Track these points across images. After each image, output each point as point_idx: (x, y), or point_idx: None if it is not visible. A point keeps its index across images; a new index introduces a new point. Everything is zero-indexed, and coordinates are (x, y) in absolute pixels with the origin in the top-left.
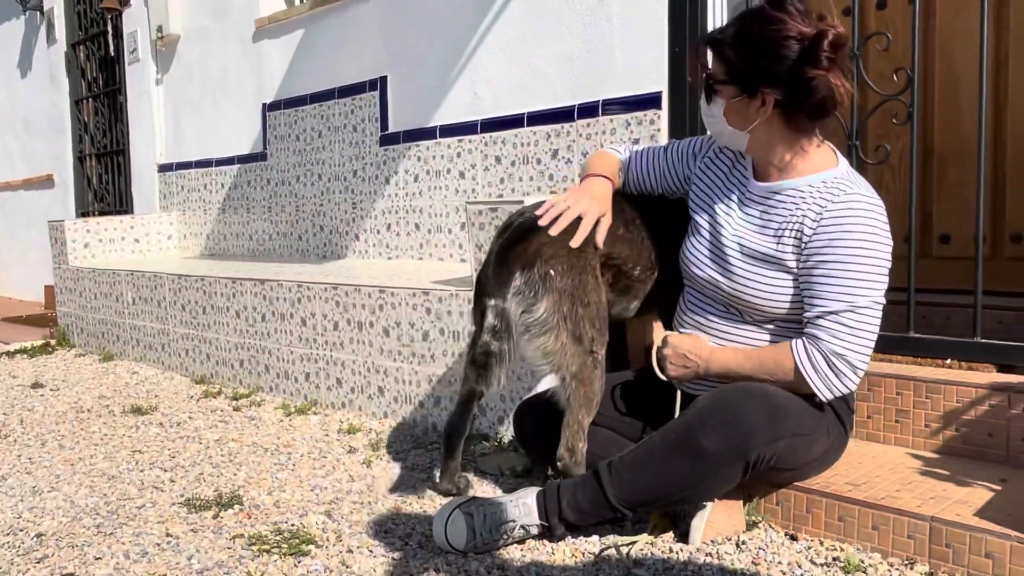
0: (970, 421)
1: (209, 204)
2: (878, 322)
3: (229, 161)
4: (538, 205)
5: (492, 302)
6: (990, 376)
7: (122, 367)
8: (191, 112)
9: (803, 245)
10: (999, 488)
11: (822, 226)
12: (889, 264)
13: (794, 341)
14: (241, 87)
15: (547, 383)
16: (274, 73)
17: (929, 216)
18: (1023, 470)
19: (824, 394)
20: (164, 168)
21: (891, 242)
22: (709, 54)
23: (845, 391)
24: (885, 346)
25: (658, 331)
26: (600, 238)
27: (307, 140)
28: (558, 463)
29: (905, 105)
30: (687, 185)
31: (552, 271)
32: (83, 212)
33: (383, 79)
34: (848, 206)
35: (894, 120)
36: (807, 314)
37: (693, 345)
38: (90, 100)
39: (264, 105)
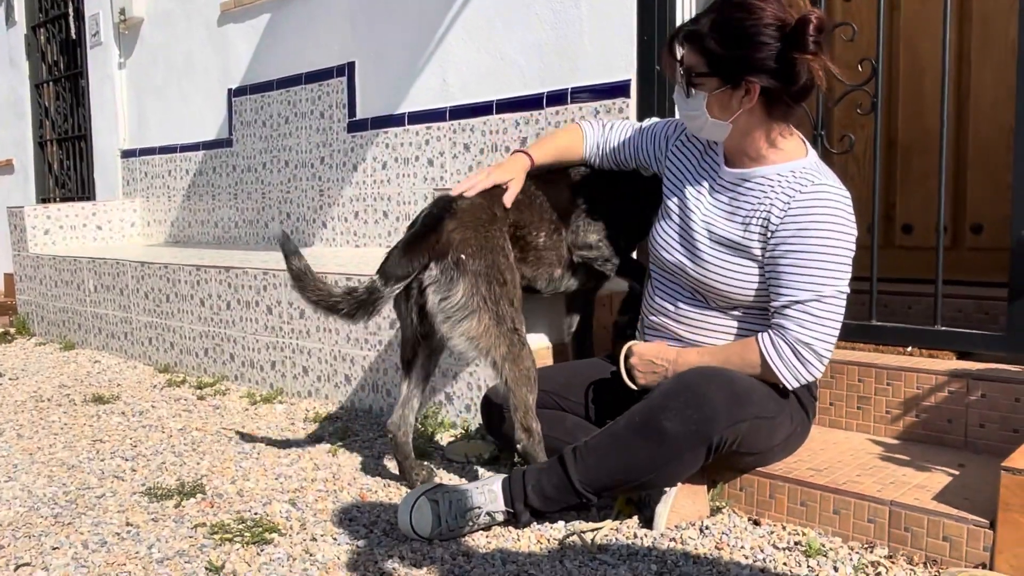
0: (930, 407)
1: (173, 191)
2: (842, 311)
3: (194, 147)
4: (446, 196)
5: (395, 287)
6: (950, 363)
7: (84, 356)
8: (155, 97)
9: (769, 234)
10: (957, 473)
11: (789, 216)
12: (853, 254)
13: (759, 335)
14: (206, 72)
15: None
16: (240, 58)
17: (892, 206)
18: (981, 455)
19: (790, 383)
20: (127, 154)
21: (856, 232)
22: (680, 48)
23: (810, 379)
24: (848, 334)
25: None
26: (507, 199)
27: (273, 126)
28: (517, 445)
29: (869, 95)
30: (659, 165)
31: (464, 255)
32: (43, 198)
33: (351, 65)
34: (816, 197)
35: (859, 110)
36: (773, 303)
37: (658, 350)
38: (51, 84)
39: (230, 90)
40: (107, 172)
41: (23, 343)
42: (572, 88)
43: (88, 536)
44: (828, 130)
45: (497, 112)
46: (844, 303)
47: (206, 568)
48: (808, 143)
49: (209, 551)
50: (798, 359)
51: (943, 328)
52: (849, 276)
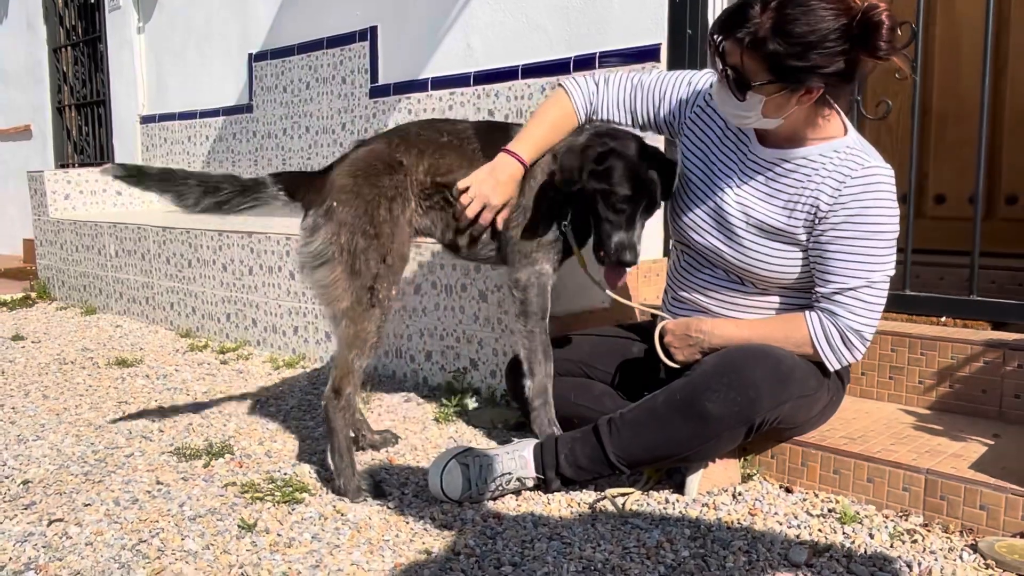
0: (964, 378)
1: (193, 156)
2: (887, 292)
3: (214, 113)
4: (360, 139)
5: (279, 193)
6: (985, 333)
7: (105, 320)
8: (174, 62)
9: (818, 220)
10: (992, 443)
11: (840, 202)
12: (898, 233)
13: (808, 315)
14: (226, 37)
15: None
16: (260, 22)
17: (925, 176)
18: (1016, 426)
19: (832, 364)
20: (146, 120)
21: (897, 213)
22: (735, 47)
23: (852, 361)
24: None
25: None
26: (500, 223)
27: (295, 92)
28: (322, 401)
29: (908, 60)
30: (671, 130)
31: (336, 202)
32: (62, 164)
33: (373, 29)
34: (868, 182)
35: (896, 75)
36: (821, 289)
37: (688, 323)
38: (69, 48)
39: (250, 55)
40: (126, 138)
41: (44, 308)
42: (600, 52)
43: (119, 493)
44: (864, 97)
45: (523, 77)
46: (889, 284)
47: (239, 525)
48: (845, 118)
49: (240, 509)
50: (846, 345)
51: (978, 298)
52: (895, 257)
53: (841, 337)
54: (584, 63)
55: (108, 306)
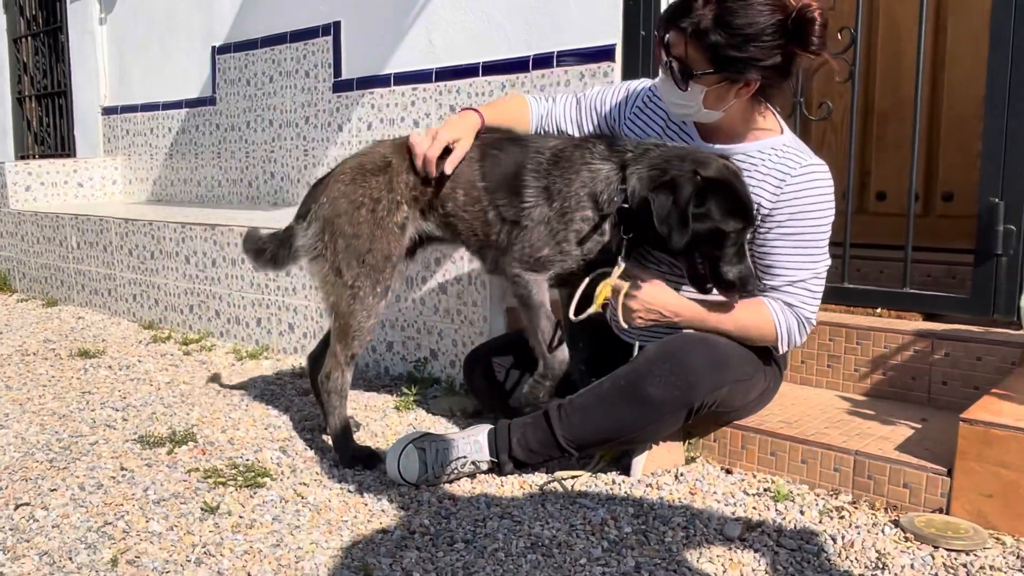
0: (896, 365)
1: (156, 149)
2: (824, 282)
3: (177, 105)
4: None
5: (302, 223)
6: (915, 324)
7: (67, 312)
8: (137, 53)
9: (760, 217)
10: (919, 426)
11: (782, 200)
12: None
13: (770, 304)
14: (189, 29)
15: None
16: (223, 15)
17: (867, 173)
18: (943, 411)
19: (783, 348)
20: (108, 111)
21: (834, 208)
22: (678, 38)
23: (796, 345)
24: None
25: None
26: (451, 164)
27: (258, 85)
28: (318, 384)
29: (848, 64)
30: (612, 130)
31: (326, 199)
32: (22, 155)
33: (336, 24)
34: (807, 179)
35: (837, 78)
36: (771, 282)
37: (665, 301)
38: (29, 39)
39: (213, 48)
40: (88, 129)
41: (4, 299)
42: (558, 52)
43: (84, 479)
44: (807, 97)
45: (483, 74)
46: (824, 278)
47: (202, 508)
48: (781, 118)
49: (204, 493)
50: (799, 331)
51: (911, 291)
52: (828, 250)
53: (798, 324)
54: (542, 61)
55: (70, 298)
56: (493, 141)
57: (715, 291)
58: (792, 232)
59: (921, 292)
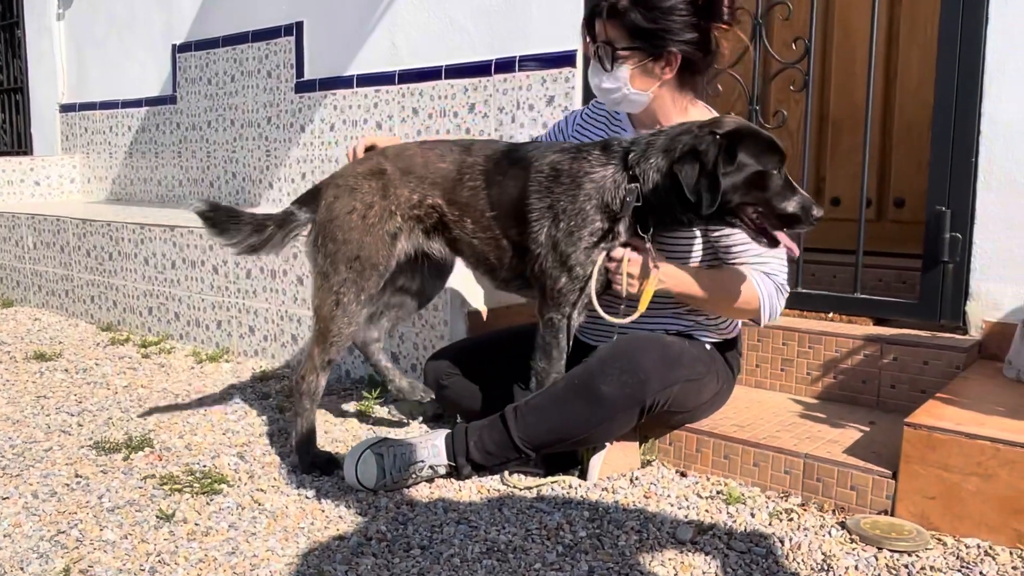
0: (846, 369)
1: (115, 147)
2: None
3: (136, 103)
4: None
5: (302, 210)
6: (866, 328)
7: (23, 313)
8: (96, 50)
9: None
10: (867, 429)
11: None
12: None
13: (751, 274)
14: (149, 26)
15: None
16: (184, 13)
17: (822, 180)
18: (891, 414)
19: (768, 317)
20: (66, 108)
21: None
22: (600, 24)
23: (776, 317)
24: None
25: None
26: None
27: (219, 84)
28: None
29: (802, 73)
30: None
31: (323, 202)
32: None
33: (299, 24)
34: None
35: (792, 87)
36: (739, 259)
37: (663, 272)
38: None
39: (174, 46)
40: (45, 127)
41: None
42: (520, 56)
43: (38, 487)
44: (763, 106)
45: (446, 77)
46: None
47: (157, 516)
48: (713, 111)
49: (159, 500)
50: (778, 298)
51: (862, 296)
52: None
53: (776, 290)
54: (505, 66)
55: (26, 299)
56: (496, 165)
57: (783, 241)
58: None
59: (871, 297)
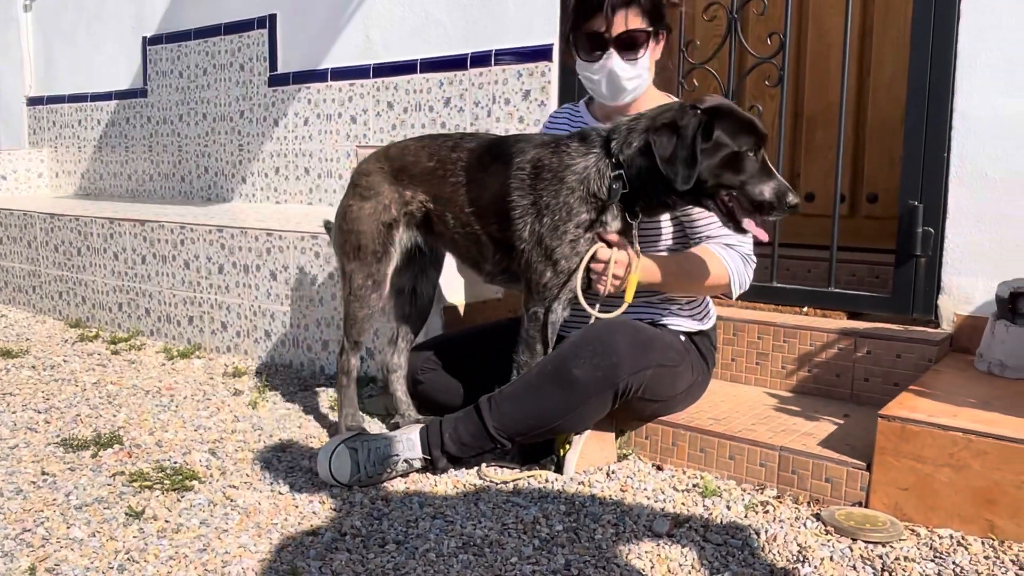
0: (821, 363)
1: (84, 141)
2: None
3: (106, 96)
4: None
5: None
6: (840, 322)
7: None
8: (64, 43)
9: None
10: (842, 422)
11: None
12: None
13: (715, 249)
14: (119, 18)
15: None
16: (155, 4)
17: (797, 175)
18: (865, 406)
19: (738, 287)
20: (34, 101)
21: None
22: (622, 16)
23: (747, 286)
24: (750, 294)
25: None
26: None
27: (191, 77)
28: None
29: (776, 68)
30: None
31: (341, 200)
32: None
33: (272, 17)
34: None
35: (767, 82)
36: (704, 232)
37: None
38: None
39: (144, 39)
40: (12, 120)
41: None
42: (496, 50)
43: (3, 484)
44: (739, 101)
45: (421, 71)
46: None
47: (126, 513)
48: (674, 97)
49: (129, 498)
50: (746, 268)
51: (836, 290)
52: None
53: (742, 260)
54: (481, 60)
55: None
56: (477, 161)
57: (751, 229)
58: None
59: (845, 291)
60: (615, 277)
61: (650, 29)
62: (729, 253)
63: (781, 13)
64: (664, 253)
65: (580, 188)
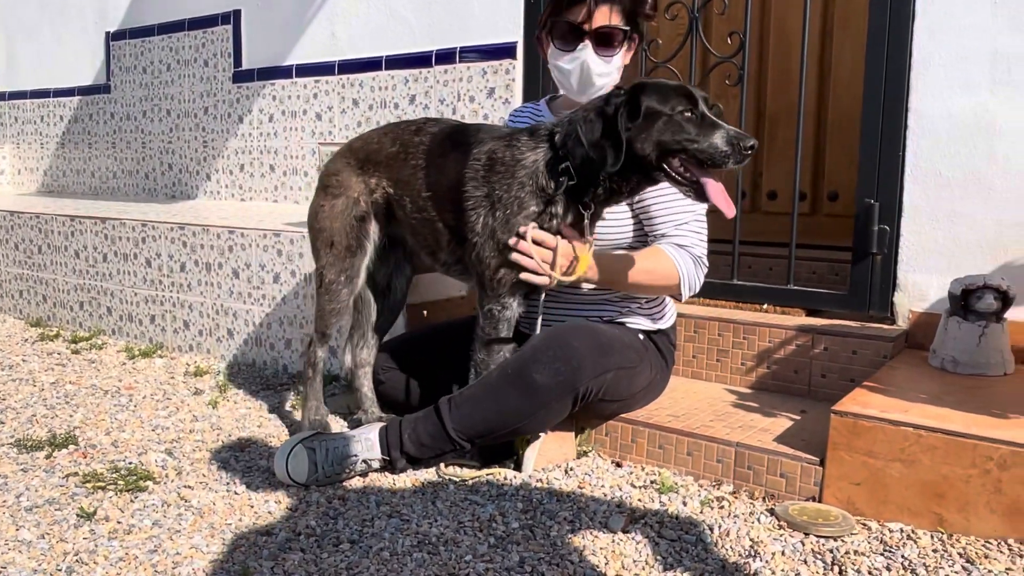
0: (779, 359)
1: (47, 138)
2: (707, 228)
3: (69, 92)
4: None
5: None
6: (798, 319)
7: None
8: (26, 37)
9: None
10: (798, 418)
11: None
12: None
13: (664, 247)
14: (82, 13)
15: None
16: (118, 0)
17: (760, 174)
18: (822, 402)
19: (688, 290)
20: None
21: None
22: (605, 10)
23: (698, 289)
24: (711, 292)
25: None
26: None
27: (155, 73)
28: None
29: (737, 67)
30: None
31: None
32: None
33: (237, 13)
34: None
35: (727, 81)
36: (660, 230)
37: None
38: None
39: (108, 34)
40: None
41: None
42: (461, 48)
43: None
44: None
45: (386, 68)
46: (706, 224)
47: (77, 515)
48: None
49: (81, 499)
50: (697, 271)
51: (795, 287)
52: None
53: (694, 263)
54: (445, 57)
55: None
56: (439, 145)
57: (712, 197)
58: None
59: (804, 289)
60: (553, 265)
61: (627, 29)
62: (681, 254)
63: (743, 13)
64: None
65: (529, 183)
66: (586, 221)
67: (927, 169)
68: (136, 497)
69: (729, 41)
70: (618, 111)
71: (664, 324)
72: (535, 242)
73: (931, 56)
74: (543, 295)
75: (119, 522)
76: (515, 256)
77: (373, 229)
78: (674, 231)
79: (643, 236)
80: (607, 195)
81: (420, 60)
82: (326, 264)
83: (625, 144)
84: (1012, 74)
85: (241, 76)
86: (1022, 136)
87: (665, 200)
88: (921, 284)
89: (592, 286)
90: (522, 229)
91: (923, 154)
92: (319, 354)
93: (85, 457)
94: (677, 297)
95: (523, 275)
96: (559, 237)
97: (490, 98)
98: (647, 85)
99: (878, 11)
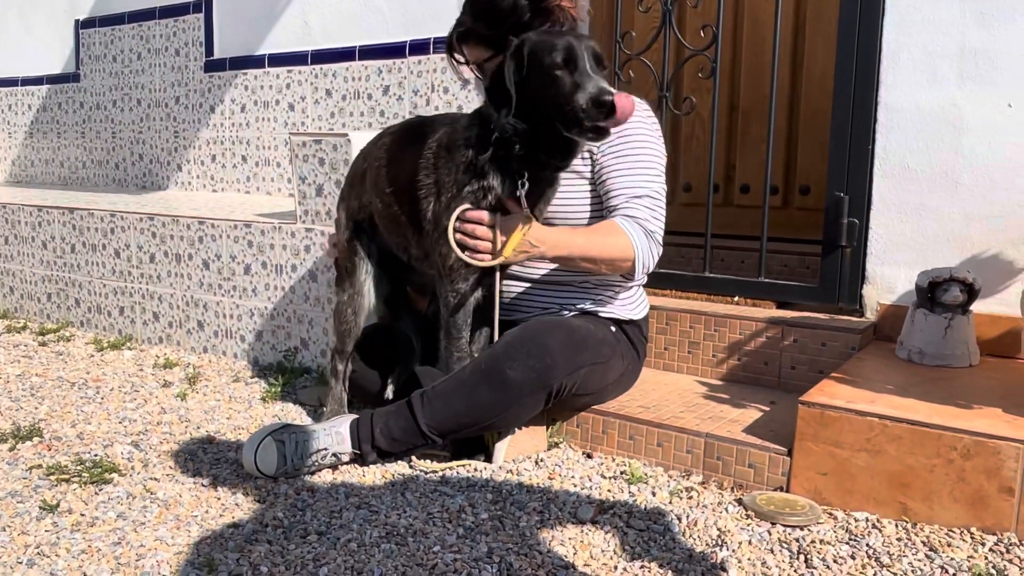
0: (750, 351)
1: (14, 127)
2: (664, 210)
3: (37, 81)
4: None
5: None
6: (769, 312)
7: None
8: None
9: (596, 152)
10: (768, 409)
11: None
12: (664, 162)
13: (617, 219)
14: (50, 1)
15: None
16: None
17: (733, 167)
18: (791, 394)
19: (643, 267)
20: None
21: (663, 145)
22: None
23: (652, 267)
24: (683, 284)
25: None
26: None
27: (125, 62)
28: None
29: (709, 60)
30: None
31: None
32: None
33: (208, 1)
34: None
35: (700, 75)
36: (613, 202)
37: (534, 233)
38: None
39: (77, 22)
40: None
41: None
42: (435, 38)
43: None
44: (675, 92)
45: (360, 59)
46: (664, 203)
47: (40, 507)
48: None
49: (44, 491)
50: (650, 246)
51: (765, 280)
52: (664, 181)
53: (646, 236)
54: (419, 47)
55: None
56: (399, 141)
57: (604, 126)
58: (620, 154)
59: (775, 281)
60: (495, 243)
61: (491, 53)
62: (634, 227)
63: (716, 6)
64: None
65: (463, 160)
66: (520, 191)
67: (896, 163)
68: (101, 489)
69: (702, 34)
70: (505, 64)
71: (638, 314)
72: (472, 221)
73: (900, 51)
74: (498, 277)
75: (82, 514)
76: (457, 237)
77: (362, 243)
78: (626, 203)
79: (601, 212)
80: (534, 160)
81: (394, 50)
82: (336, 290)
83: (515, 97)
84: (979, 69)
85: (213, 65)
86: (989, 130)
87: (621, 171)
88: (889, 277)
89: (549, 265)
90: (458, 210)
91: (892, 148)
92: (338, 367)
93: (49, 449)
94: (631, 274)
95: (464, 255)
96: (498, 215)
97: (464, 89)
98: (534, 39)
99: (849, 5)
